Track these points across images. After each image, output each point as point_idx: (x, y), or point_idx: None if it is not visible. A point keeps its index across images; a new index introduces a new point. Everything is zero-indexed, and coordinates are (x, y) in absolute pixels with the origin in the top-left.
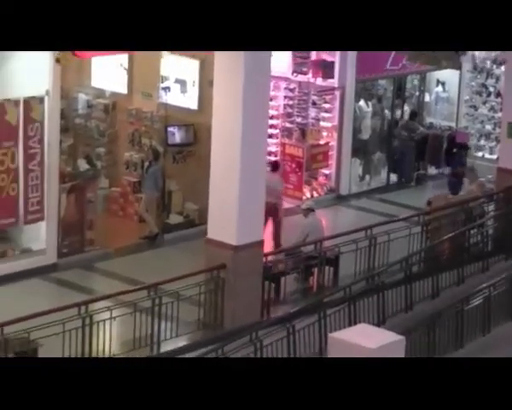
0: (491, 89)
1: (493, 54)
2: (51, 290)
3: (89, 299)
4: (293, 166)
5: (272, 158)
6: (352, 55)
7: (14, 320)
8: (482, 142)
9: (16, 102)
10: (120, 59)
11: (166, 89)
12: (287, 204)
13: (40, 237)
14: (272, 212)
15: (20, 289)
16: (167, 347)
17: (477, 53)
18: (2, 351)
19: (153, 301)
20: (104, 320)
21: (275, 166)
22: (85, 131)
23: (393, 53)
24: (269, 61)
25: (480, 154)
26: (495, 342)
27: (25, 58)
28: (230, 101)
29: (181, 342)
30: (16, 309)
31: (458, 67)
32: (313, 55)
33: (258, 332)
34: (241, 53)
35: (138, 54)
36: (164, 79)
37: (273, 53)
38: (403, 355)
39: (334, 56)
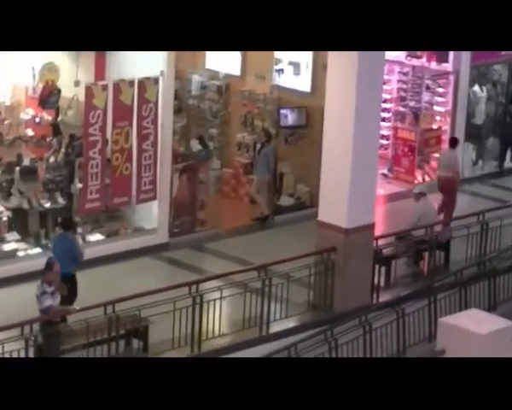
0: None
1: None
2: (162, 269)
3: (199, 278)
4: (406, 150)
5: (385, 141)
6: None
7: (126, 298)
8: None
9: (131, 83)
10: None
11: (280, 71)
12: (398, 188)
13: (152, 216)
14: (448, 187)
15: (132, 267)
16: (276, 328)
17: None
18: (114, 328)
19: (263, 281)
20: (214, 300)
21: (453, 142)
22: (198, 112)
23: None
24: None
25: None
26: None
27: None
28: (344, 84)
29: (290, 324)
30: (127, 287)
31: None
32: None
33: (368, 315)
34: None
35: None
36: (277, 61)
37: None
38: None
39: None
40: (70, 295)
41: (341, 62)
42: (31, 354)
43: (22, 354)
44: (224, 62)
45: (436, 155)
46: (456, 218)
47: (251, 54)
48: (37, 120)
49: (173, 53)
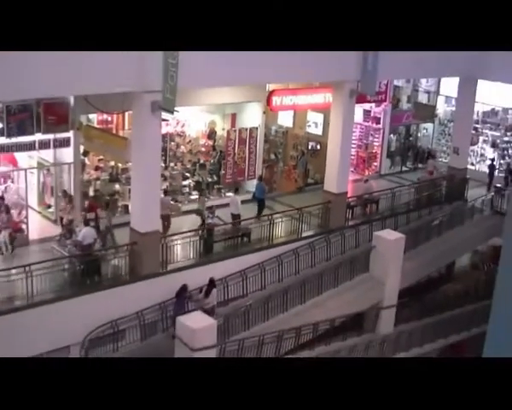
0: None
1: None
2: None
3: (272, 212)
4: (361, 160)
5: None
6: None
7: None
8: None
9: (246, 129)
10: None
11: (309, 125)
12: (357, 176)
13: (252, 186)
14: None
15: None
16: (304, 234)
17: None
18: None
19: (299, 215)
20: (279, 222)
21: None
22: (273, 142)
23: None
24: None
25: None
26: None
27: None
28: (335, 131)
29: (310, 232)
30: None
31: None
32: None
33: (344, 230)
34: None
35: None
36: (307, 120)
37: None
38: None
39: None
40: (260, 208)
41: (334, 121)
42: None
43: None
44: (285, 120)
45: (375, 163)
46: (384, 190)
47: (297, 116)
48: (206, 143)
49: (264, 114)
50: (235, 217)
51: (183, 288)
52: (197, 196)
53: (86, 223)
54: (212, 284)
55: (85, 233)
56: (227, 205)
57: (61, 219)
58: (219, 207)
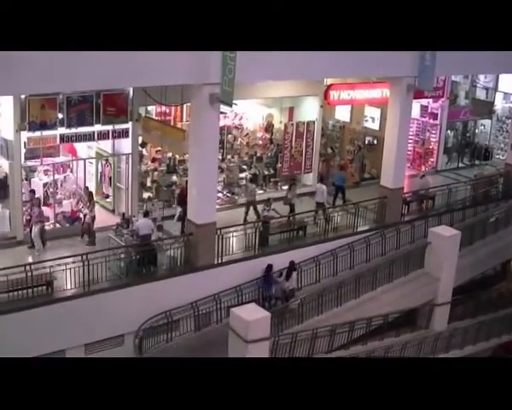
0: None
1: None
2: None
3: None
4: (417, 155)
5: None
6: None
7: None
8: None
9: (303, 123)
10: None
11: (366, 120)
12: (413, 172)
13: (310, 179)
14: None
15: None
16: (360, 229)
17: None
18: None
19: (356, 209)
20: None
21: None
22: (330, 136)
23: None
24: None
25: None
26: None
27: None
28: (392, 126)
29: (366, 227)
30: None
31: None
32: None
33: (399, 225)
34: None
35: None
36: (365, 115)
37: None
38: None
39: None
40: (342, 195)
41: (391, 117)
42: None
43: None
44: (342, 114)
45: (431, 159)
46: (440, 186)
47: (354, 111)
48: (263, 136)
49: (321, 108)
50: (320, 205)
51: (269, 267)
52: (287, 186)
53: (145, 214)
54: (292, 267)
55: (142, 224)
56: (280, 198)
57: (84, 216)
58: (276, 201)
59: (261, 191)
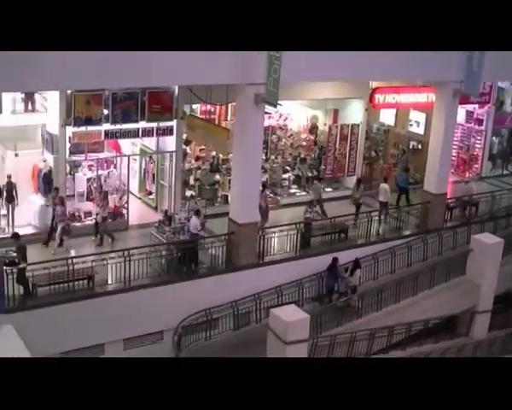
0: None
1: None
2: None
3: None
4: (461, 161)
5: None
6: None
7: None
8: None
9: (348, 125)
10: None
11: (410, 124)
12: (457, 178)
13: (350, 182)
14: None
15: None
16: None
17: None
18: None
19: (398, 213)
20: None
21: None
22: (374, 139)
23: None
24: None
25: None
26: None
27: None
28: (437, 131)
29: (407, 232)
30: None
31: None
32: None
33: (441, 231)
34: None
35: None
36: (409, 119)
37: None
38: None
39: None
40: (406, 196)
41: (436, 121)
42: None
43: None
44: (387, 118)
45: (476, 165)
46: (484, 193)
47: (399, 115)
48: (307, 138)
49: (366, 111)
50: (383, 204)
51: (335, 262)
52: (354, 185)
53: (196, 212)
54: (357, 264)
55: (194, 222)
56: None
57: (96, 214)
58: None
59: (304, 193)
